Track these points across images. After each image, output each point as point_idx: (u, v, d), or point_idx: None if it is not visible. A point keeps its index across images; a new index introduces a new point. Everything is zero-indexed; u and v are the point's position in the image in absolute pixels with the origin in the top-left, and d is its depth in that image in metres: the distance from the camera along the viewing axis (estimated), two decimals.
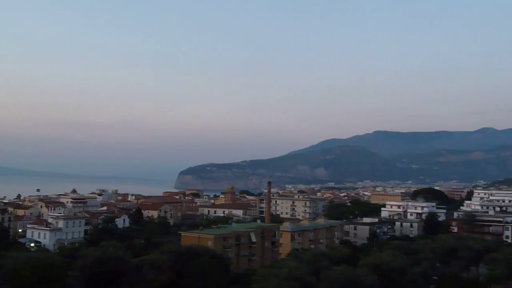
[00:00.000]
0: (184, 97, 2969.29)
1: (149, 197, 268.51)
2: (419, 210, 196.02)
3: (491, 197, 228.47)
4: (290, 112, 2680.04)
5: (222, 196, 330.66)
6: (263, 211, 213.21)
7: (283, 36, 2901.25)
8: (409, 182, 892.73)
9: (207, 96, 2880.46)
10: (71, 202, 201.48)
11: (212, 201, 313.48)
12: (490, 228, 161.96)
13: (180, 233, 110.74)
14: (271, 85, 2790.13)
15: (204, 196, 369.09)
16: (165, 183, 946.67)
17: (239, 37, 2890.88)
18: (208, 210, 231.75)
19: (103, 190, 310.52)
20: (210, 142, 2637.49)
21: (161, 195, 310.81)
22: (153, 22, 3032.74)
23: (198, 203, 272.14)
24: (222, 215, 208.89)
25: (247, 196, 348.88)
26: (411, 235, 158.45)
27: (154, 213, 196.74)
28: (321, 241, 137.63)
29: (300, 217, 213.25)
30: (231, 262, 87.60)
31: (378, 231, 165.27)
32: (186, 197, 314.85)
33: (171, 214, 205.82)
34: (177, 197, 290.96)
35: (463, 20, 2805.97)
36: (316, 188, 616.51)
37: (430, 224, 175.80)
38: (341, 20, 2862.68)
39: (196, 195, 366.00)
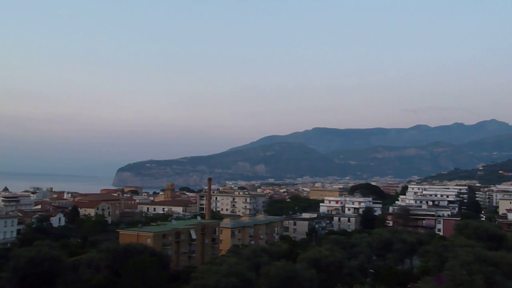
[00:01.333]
0: (124, 93, 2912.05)
1: (86, 194, 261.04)
2: (356, 205, 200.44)
3: (424, 192, 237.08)
4: (231, 109, 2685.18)
5: (162, 193, 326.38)
6: (203, 207, 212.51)
7: (225, 32, 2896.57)
8: (347, 177, 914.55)
9: (147, 93, 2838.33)
10: (3, 200, 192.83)
11: (152, 198, 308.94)
12: (423, 221, 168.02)
13: (118, 231, 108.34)
14: (212, 81, 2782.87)
15: (143, 193, 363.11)
16: (103, 180, 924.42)
17: (180, 34, 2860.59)
18: (148, 208, 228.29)
19: (37, 188, 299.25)
20: (150, 138, 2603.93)
21: (99, 192, 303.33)
22: (90, 19, 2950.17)
23: (137, 201, 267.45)
24: (162, 212, 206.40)
25: (187, 193, 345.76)
26: (348, 230, 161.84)
27: (91, 211, 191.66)
28: (261, 237, 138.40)
29: (240, 213, 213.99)
30: (170, 259, 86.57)
31: (317, 226, 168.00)
32: (125, 195, 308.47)
33: (109, 212, 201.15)
34: (115, 194, 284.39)
35: (395, 18, 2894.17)
36: (256, 185, 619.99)
37: (366, 218, 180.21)
38: (284, 17, 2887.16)
39: (135, 192, 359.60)
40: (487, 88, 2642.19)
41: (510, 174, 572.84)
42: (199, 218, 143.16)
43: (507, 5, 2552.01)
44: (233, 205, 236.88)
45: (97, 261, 71.30)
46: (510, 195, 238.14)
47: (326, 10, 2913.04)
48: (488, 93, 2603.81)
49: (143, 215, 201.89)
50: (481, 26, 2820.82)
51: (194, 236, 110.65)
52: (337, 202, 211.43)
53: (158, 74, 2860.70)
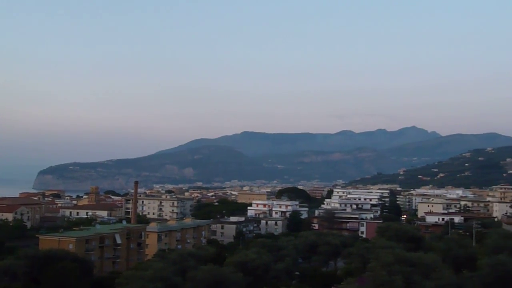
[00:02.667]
0: (45, 91, 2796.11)
1: (3, 198, 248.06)
2: (283, 209, 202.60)
3: (348, 196, 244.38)
4: (159, 111, 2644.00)
5: (86, 196, 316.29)
6: (129, 211, 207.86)
7: (153, 32, 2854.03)
8: (275, 181, 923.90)
9: (71, 91, 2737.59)
10: None
11: (75, 202, 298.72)
12: (348, 224, 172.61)
13: (38, 237, 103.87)
14: (139, 81, 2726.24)
15: (66, 197, 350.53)
16: (23, 184, 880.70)
17: (107, 31, 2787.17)
18: (70, 212, 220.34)
19: None
20: (74, 140, 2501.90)
21: (18, 196, 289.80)
22: (5, 12, 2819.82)
23: (59, 204, 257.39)
24: (86, 216, 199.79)
25: (113, 197, 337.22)
26: (275, 233, 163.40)
27: (9, 216, 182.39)
28: (188, 241, 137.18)
29: (167, 217, 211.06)
30: (94, 265, 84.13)
31: (244, 229, 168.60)
32: (46, 198, 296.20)
33: (28, 216, 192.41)
34: (35, 198, 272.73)
35: (323, 24, 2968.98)
36: (184, 188, 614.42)
37: (293, 221, 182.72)
38: (213, 18, 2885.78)
39: (57, 195, 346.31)
40: (408, 97, 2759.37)
41: (428, 178, 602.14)
42: (124, 222, 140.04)
43: (422, 15, 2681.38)
44: (160, 209, 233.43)
45: (15, 268, 67.91)
46: (428, 198, 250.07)
47: (253, 13, 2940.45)
48: (409, 101, 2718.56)
49: (66, 219, 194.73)
50: (401, 37, 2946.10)
51: (119, 240, 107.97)
52: (264, 205, 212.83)
53: (83, 71, 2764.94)
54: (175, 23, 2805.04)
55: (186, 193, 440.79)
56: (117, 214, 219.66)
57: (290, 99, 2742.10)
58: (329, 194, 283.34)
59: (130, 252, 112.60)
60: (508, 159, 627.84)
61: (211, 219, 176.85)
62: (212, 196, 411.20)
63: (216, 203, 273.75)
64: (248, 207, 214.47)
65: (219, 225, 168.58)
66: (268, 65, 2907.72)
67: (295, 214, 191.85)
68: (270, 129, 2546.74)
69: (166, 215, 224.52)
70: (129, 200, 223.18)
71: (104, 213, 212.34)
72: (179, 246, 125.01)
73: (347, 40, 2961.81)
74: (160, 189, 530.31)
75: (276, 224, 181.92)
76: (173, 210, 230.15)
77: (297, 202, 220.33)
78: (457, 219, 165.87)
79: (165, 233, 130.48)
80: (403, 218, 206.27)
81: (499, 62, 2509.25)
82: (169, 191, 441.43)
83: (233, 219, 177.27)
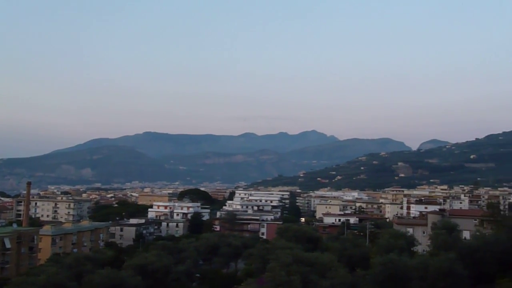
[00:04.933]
0: None
1: None
2: (185, 210, 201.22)
3: (250, 197, 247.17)
4: (55, 108, 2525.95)
5: None
6: (21, 214, 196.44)
7: (54, 30, 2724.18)
8: (177, 183, 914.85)
9: None
10: None
11: None
12: (249, 226, 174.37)
13: None
14: (34, 75, 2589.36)
15: None
16: None
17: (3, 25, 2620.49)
18: None
19: None
20: None
21: None
22: None
23: None
24: None
25: (3, 198, 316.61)
26: (176, 235, 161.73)
27: None
28: (85, 244, 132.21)
29: (63, 220, 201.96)
30: None
31: (144, 232, 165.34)
32: None
33: None
34: None
35: (226, 27, 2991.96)
36: (81, 189, 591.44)
37: (195, 223, 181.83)
38: (115, 15, 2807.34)
39: None
40: (309, 101, 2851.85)
41: (327, 181, 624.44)
42: (15, 225, 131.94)
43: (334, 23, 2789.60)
44: (55, 211, 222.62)
45: None
46: (326, 200, 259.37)
47: (155, 12, 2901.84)
48: (309, 105, 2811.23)
49: None
50: (299, 41, 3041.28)
51: (8, 245, 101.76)
52: (166, 207, 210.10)
53: None
54: (81, 20, 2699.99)
55: (84, 195, 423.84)
56: (7, 217, 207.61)
57: (194, 100, 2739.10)
58: (231, 196, 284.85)
59: (21, 257, 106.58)
60: (399, 163, 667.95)
61: (110, 221, 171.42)
62: (111, 197, 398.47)
63: (116, 205, 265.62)
64: (149, 209, 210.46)
65: (118, 228, 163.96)
66: (172, 65, 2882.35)
67: (196, 215, 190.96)
68: (173, 130, 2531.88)
69: (61, 217, 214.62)
70: (21, 202, 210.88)
71: None
72: (75, 250, 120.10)
73: (251, 43, 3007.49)
74: (55, 191, 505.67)
75: (177, 226, 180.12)
76: (69, 212, 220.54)
77: (199, 204, 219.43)
78: (352, 220, 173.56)
79: (60, 236, 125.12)
80: (302, 220, 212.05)
81: (394, 69, 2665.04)
82: (65, 193, 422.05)
83: (133, 221, 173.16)
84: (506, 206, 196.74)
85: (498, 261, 57.62)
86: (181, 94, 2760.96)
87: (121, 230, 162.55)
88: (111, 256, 78.43)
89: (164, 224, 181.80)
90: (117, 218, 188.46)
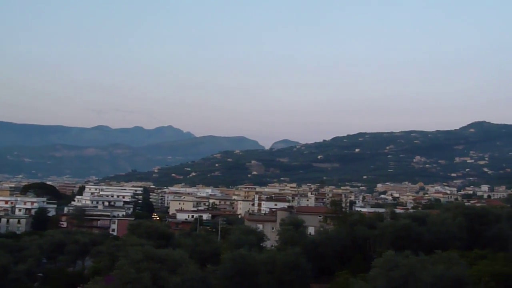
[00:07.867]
0: None
1: None
2: (28, 206, 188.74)
3: (101, 192, 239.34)
4: None
5: None
6: None
7: None
8: (20, 176, 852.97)
9: None
10: None
11: None
12: (99, 222, 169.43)
13: None
14: None
15: None
16: None
17: None
18: None
19: None
20: None
21: None
22: None
23: None
24: None
25: None
26: (18, 232, 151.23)
27: None
28: None
29: None
30: None
31: None
32: None
33: None
34: None
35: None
36: None
37: (39, 219, 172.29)
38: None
39: None
40: (166, 96, 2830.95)
41: (182, 177, 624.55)
42: None
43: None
44: None
45: None
46: (180, 196, 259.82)
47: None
48: (167, 101, 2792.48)
49: None
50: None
51: None
52: (6, 202, 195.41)
53: None
54: None
55: None
56: None
57: (44, 89, 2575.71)
58: (81, 191, 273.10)
59: None
60: (252, 161, 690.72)
61: None
62: None
63: None
64: None
65: None
66: (20, 53, 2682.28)
67: (41, 211, 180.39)
68: (17, 119, 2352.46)
69: None
70: None
71: None
72: None
73: (109, 36, 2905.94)
74: None
75: (19, 222, 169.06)
76: None
77: (44, 199, 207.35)
78: (205, 216, 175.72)
79: None
80: (155, 216, 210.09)
81: (249, 69, 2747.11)
82: None
83: None
84: (348, 204, 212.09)
85: (339, 255, 62.53)
86: (29, 83, 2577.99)
87: None
88: None
89: (4, 220, 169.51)
90: None
